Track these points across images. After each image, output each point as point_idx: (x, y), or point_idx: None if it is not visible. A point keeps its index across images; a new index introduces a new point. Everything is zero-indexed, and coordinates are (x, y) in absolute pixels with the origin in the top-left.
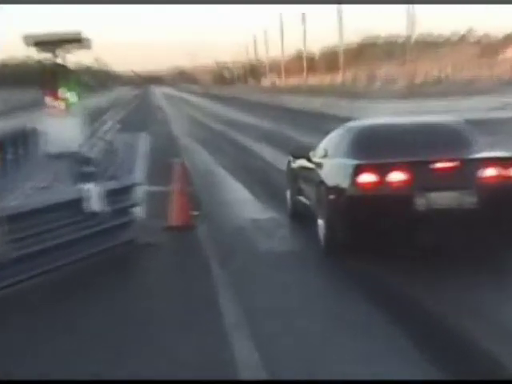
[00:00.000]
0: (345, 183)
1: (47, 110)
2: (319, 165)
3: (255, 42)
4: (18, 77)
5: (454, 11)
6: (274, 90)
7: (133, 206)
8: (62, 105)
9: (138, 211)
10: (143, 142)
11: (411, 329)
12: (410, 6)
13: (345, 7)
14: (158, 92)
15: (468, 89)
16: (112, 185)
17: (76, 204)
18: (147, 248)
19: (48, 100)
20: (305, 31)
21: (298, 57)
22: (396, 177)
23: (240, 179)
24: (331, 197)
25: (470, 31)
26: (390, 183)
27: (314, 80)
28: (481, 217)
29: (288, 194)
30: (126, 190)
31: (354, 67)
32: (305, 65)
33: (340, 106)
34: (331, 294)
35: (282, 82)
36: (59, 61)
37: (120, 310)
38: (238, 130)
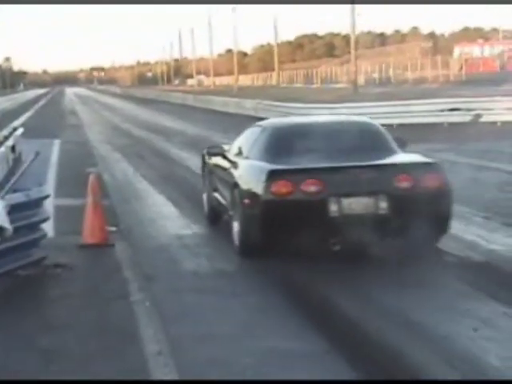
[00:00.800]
0: (258, 188)
1: None
2: (234, 164)
3: (180, 38)
4: None
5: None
6: (201, 90)
7: (42, 221)
8: None
9: (48, 227)
10: (54, 150)
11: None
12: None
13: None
14: (73, 93)
15: (415, 90)
16: (18, 198)
17: None
18: (57, 269)
19: None
20: (235, 27)
21: (229, 55)
22: (309, 183)
23: (163, 191)
24: (245, 201)
25: (414, 28)
26: (304, 189)
27: (246, 80)
28: (392, 222)
29: (204, 193)
30: (34, 204)
31: (291, 66)
32: (235, 63)
33: (270, 110)
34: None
35: (210, 81)
36: None
37: (18, 346)
38: (161, 135)
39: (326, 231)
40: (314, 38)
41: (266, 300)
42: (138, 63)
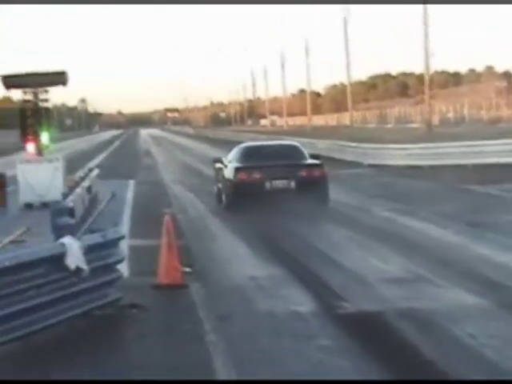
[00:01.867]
0: (232, 176)
1: (24, 155)
2: (225, 165)
3: (253, 79)
4: None
5: (472, 46)
6: (274, 131)
7: (117, 262)
8: (40, 149)
9: (123, 268)
10: (129, 190)
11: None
12: (426, 39)
13: (353, 40)
14: (147, 134)
15: (490, 130)
16: (94, 239)
17: (53, 261)
18: (133, 310)
19: (26, 144)
20: (308, 66)
21: (302, 95)
22: (256, 172)
23: (237, 231)
24: (227, 183)
25: (489, 68)
26: (253, 176)
27: (319, 120)
28: (297, 193)
29: (214, 185)
30: (110, 245)
31: (364, 106)
32: (308, 103)
33: (346, 151)
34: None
35: (283, 122)
36: (41, 102)
37: None
38: None
39: (264, 198)
40: (387, 77)
41: (340, 343)
42: (212, 104)
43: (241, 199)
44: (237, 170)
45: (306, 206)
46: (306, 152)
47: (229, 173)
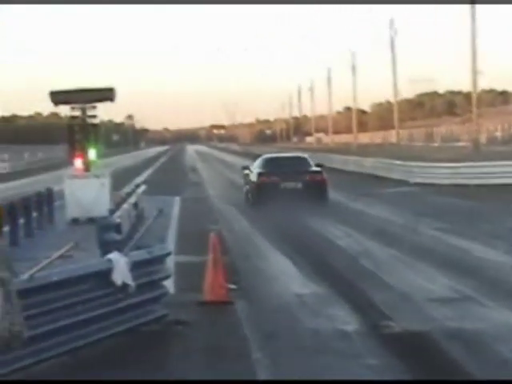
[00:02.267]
0: (255, 179)
1: (71, 171)
2: (251, 172)
3: (299, 96)
4: (45, 133)
5: None
6: (320, 148)
7: (163, 278)
8: (87, 165)
9: (169, 284)
10: (175, 207)
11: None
12: (474, 57)
13: (399, 56)
14: (193, 150)
15: None
16: (141, 255)
17: (100, 276)
18: (178, 326)
19: (74, 160)
20: (354, 83)
21: (348, 112)
22: (273, 176)
23: (282, 248)
24: (252, 184)
25: None
26: (271, 179)
27: (365, 137)
28: (303, 192)
29: (243, 186)
30: (156, 261)
31: (410, 124)
32: (354, 121)
33: (392, 169)
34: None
35: (329, 139)
36: (89, 119)
37: None
38: None
39: (278, 195)
40: (434, 95)
41: (386, 362)
42: (258, 121)
43: (262, 196)
44: (259, 174)
45: (310, 201)
46: (311, 162)
47: (253, 177)
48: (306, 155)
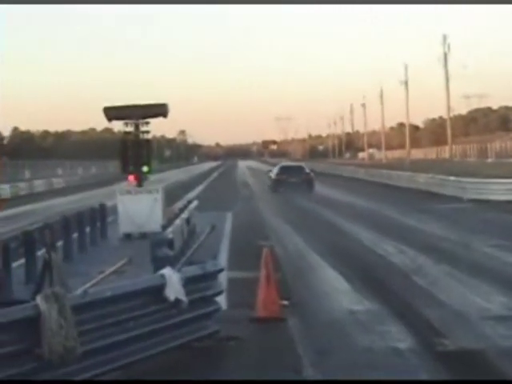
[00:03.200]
0: (274, 176)
1: (124, 186)
2: (272, 173)
3: (352, 112)
4: (98, 149)
5: None
6: (372, 164)
7: (216, 294)
8: (140, 181)
9: (221, 300)
10: (227, 222)
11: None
12: None
13: (452, 71)
14: (245, 166)
15: None
16: (194, 271)
17: (153, 292)
18: (231, 342)
19: (127, 175)
20: (407, 99)
21: (400, 128)
22: (284, 175)
23: (334, 264)
24: (272, 180)
25: None
26: (282, 176)
27: (418, 153)
28: (300, 184)
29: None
30: (208, 277)
31: (464, 140)
32: (407, 137)
33: (445, 185)
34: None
35: (381, 155)
36: (142, 134)
37: None
38: (330, 208)
39: (285, 186)
40: (487, 111)
41: (440, 379)
42: (310, 136)
43: (276, 186)
44: (276, 174)
45: (304, 189)
46: (306, 167)
47: (273, 175)
48: (303, 164)
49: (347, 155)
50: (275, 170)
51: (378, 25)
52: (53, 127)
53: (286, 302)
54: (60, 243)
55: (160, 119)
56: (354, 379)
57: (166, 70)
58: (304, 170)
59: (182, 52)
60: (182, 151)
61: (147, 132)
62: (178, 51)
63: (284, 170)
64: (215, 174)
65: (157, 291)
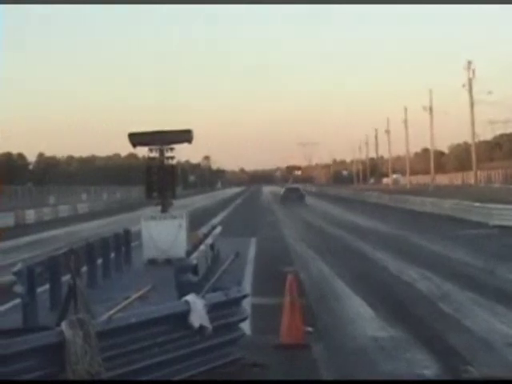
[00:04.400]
0: (282, 193)
1: (147, 212)
2: (282, 191)
3: (376, 138)
4: (123, 174)
5: None
6: (397, 189)
7: (240, 320)
8: (165, 206)
9: (245, 326)
10: (251, 248)
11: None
12: None
13: (477, 98)
14: (269, 191)
15: None
16: (218, 297)
17: (178, 318)
18: (255, 369)
19: (152, 201)
20: (432, 124)
21: (425, 153)
22: (288, 192)
23: (358, 291)
24: (281, 195)
25: None
26: (288, 193)
27: (442, 179)
28: (297, 198)
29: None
30: (233, 303)
31: (489, 165)
32: (432, 162)
33: (470, 211)
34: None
35: (406, 180)
36: (166, 160)
37: None
38: (354, 233)
39: (289, 199)
40: None
41: None
42: (334, 162)
43: (284, 199)
44: (283, 192)
45: (299, 201)
46: (301, 188)
47: (282, 192)
48: (299, 186)
49: (371, 181)
50: (282, 190)
51: (403, 49)
52: (77, 152)
53: (310, 329)
54: (84, 269)
55: (185, 145)
56: (354, 379)
57: (190, 95)
58: (299, 189)
59: (207, 77)
60: (207, 177)
61: (172, 158)
62: (203, 77)
63: (288, 189)
64: (239, 200)
65: (181, 317)
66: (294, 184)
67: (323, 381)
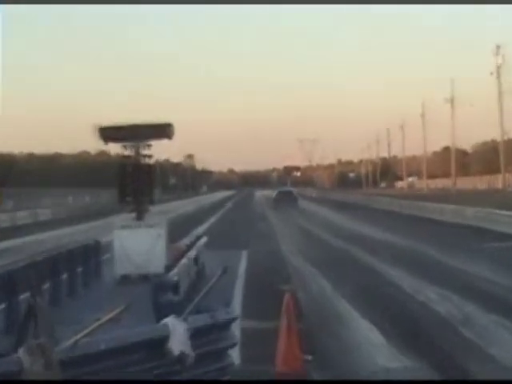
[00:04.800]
0: (274, 196)
1: (120, 219)
2: (273, 195)
3: (389, 135)
4: (92, 175)
5: None
6: (412, 194)
7: (228, 347)
8: (140, 213)
9: (234, 354)
10: (241, 262)
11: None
12: None
13: (507, 88)
14: (262, 196)
15: None
16: (203, 320)
17: (155, 345)
18: None
19: (123, 206)
20: (454, 119)
21: (445, 153)
22: (281, 195)
23: (366, 313)
24: (273, 198)
25: None
26: (280, 196)
27: (466, 182)
28: (290, 201)
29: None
30: (220, 327)
31: None
32: (453, 163)
33: (497, 220)
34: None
35: (423, 184)
36: (142, 158)
37: None
38: (365, 249)
39: (281, 202)
40: None
41: None
42: (339, 162)
43: (276, 203)
44: (275, 195)
45: (292, 204)
46: (295, 191)
47: (274, 195)
48: (293, 189)
49: (382, 184)
50: (274, 193)
51: (421, 34)
52: (39, 149)
53: (309, 357)
54: (47, 285)
55: (164, 141)
56: (354, 379)
57: (171, 86)
58: (292, 192)
59: (189, 66)
60: (189, 178)
61: (149, 156)
62: (185, 65)
63: (280, 193)
64: (229, 205)
65: (159, 344)
66: (289, 187)
67: (323, 381)
